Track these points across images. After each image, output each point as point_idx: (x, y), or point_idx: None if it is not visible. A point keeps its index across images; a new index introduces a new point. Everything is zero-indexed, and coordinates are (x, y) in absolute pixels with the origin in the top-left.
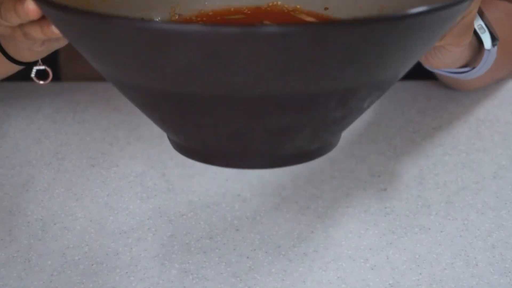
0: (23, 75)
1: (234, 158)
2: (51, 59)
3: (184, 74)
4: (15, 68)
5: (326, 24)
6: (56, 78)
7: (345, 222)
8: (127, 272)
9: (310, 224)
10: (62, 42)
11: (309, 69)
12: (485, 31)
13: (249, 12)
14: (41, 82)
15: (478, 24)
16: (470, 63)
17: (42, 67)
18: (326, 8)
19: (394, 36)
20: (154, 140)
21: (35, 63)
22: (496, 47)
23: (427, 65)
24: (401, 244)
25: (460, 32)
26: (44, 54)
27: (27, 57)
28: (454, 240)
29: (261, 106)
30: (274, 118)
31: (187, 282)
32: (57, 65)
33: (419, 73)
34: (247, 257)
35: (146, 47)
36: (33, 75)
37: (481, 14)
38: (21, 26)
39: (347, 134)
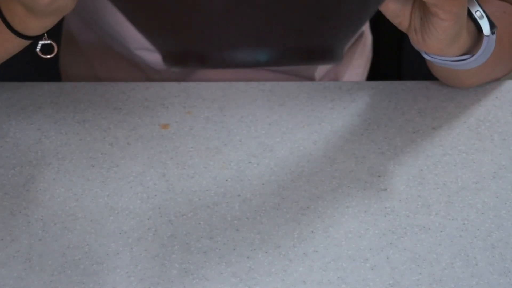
0: (24, 74)
1: (229, 56)
2: (51, 58)
3: None
4: (22, 43)
5: None
6: (56, 78)
7: (345, 222)
8: (127, 272)
9: (310, 224)
10: None
11: None
12: (483, 17)
13: None
14: (47, 56)
15: (476, 10)
16: (469, 51)
17: (47, 42)
18: None
19: None
20: (154, 140)
21: (40, 37)
22: (495, 36)
23: (424, 50)
24: (401, 244)
25: None
26: (50, 21)
27: (33, 27)
28: (454, 240)
29: None
30: None
31: (187, 282)
32: (57, 65)
33: (419, 73)
34: (247, 257)
35: None
36: (38, 49)
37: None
38: None
39: (347, 134)
